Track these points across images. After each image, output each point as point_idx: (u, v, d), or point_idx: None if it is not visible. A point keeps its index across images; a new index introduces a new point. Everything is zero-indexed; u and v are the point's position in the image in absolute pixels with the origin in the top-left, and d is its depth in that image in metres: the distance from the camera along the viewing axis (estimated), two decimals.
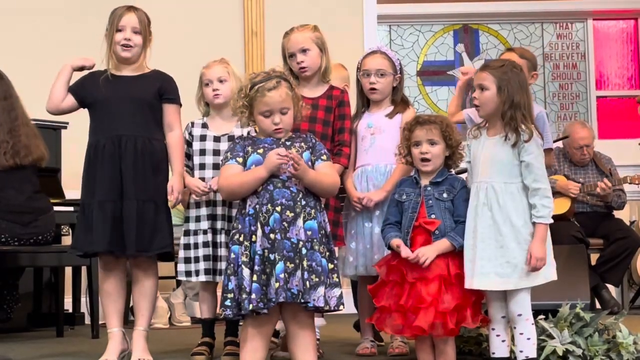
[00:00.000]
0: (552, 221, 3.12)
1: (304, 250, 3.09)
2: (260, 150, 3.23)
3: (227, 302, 3.13)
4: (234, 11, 6.30)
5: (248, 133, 3.68)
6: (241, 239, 3.15)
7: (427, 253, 3.13)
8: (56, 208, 4.73)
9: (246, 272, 3.09)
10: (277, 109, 3.24)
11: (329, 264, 3.17)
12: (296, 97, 3.32)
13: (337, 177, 3.41)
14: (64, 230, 5.40)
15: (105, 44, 3.63)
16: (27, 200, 4.51)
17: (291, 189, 3.16)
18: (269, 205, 3.12)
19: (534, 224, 3.09)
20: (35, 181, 4.59)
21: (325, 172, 3.28)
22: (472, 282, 3.10)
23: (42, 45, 6.00)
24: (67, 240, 5.39)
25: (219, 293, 3.85)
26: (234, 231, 3.22)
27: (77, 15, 5.97)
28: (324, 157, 3.32)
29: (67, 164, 5.27)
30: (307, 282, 3.07)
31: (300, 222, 3.13)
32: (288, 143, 3.27)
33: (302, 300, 3.06)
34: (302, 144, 3.29)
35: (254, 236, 3.12)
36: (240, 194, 3.23)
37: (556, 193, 5.65)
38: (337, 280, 3.19)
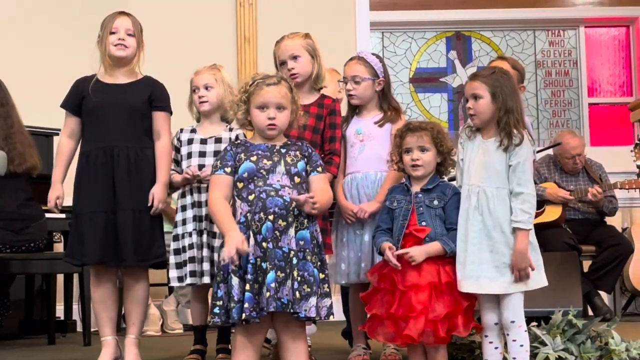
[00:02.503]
0: (531, 227, 3.11)
1: (294, 260, 3.07)
2: (254, 158, 3.19)
3: (216, 310, 3.10)
4: (227, 18, 6.30)
5: (237, 137, 3.69)
6: None
7: (415, 255, 3.13)
8: (48, 215, 4.72)
9: (235, 280, 3.06)
10: (273, 102, 3.22)
11: (320, 274, 3.15)
12: (295, 102, 3.31)
13: (331, 191, 3.39)
14: (56, 237, 5.39)
15: (96, 51, 3.63)
16: (19, 207, 4.51)
17: (284, 197, 3.13)
18: (261, 214, 3.09)
19: (514, 230, 3.09)
20: (28, 189, 4.59)
21: (322, 189, 3.25)
22: (463, 285, 3.11)
23: (36, 52, 5.99)
24: (59, 247, 5.38)
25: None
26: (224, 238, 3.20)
27: (72, 23, 5.95)
28: (320, 168, 3.30)
29: None
30: (298, 292, 3.05)
31: (292, 231, 3.11)
32: (283, 150, 3.24)
33: (292, 310, 3.04)
34: (298, 152, 3.26)
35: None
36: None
37: (546, 201, 5.66)
38: (327, 290, 3.17)
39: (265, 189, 3.13)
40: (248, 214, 3.12)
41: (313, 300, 3.08)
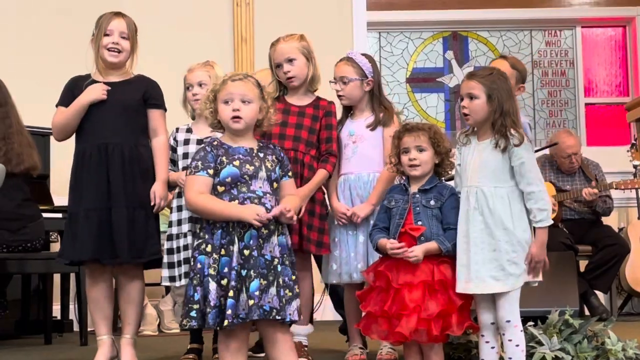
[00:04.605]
0: (551, 222, 3.14)
1: (279, 268, 3.06)
2: (237, 163, 3.13)
3: (193, 313, 3.04)
4: (224, 18, 6.30)
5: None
6: (208, 249, 3.07)
7: (416, 252, 3.15)
8: (45, 215, 4.72)
9: (212, 285, 3.01)
10: (238, 95, 3.17)
11: (293, 276, 3.13)
12: (264, 100, 3.25)
13: (297, 194, 3.38)
14: (53, 237, 5.39)
15: (90, 50, 3.63)
16: (16, 207, 4.50)
17: (266, 205, 3.09)
18: (245, 221, 3.06)
19: (534, 229, 3.12)
20: (26, 189, 4.58)
21: (292, 194, 3.26)
22: (469, 286, 3.11)
23: (34, 51, 5.99)
24: (55, 247, 5.38)
25: None
26: (200, 241, 3.12)
27: (70, 23, 5.94)
28: (290, 173, 3.29)
29: (56, 170, 5.25)
30: (283, 299, 3.04)
31: (274, 238, 3.09)
32: (261, 154, 3.19)
33: (278, 317, 3.03)
34: (273, 157, 3.22)
35: (223, 250, 3.05)
36: (204, 216, 3.14)
37: None
38: (298, 291, 3.15)
39: (249, 195, 3.10)
40: (230, 221, 3.08)
41: (295, 304, 3.08)
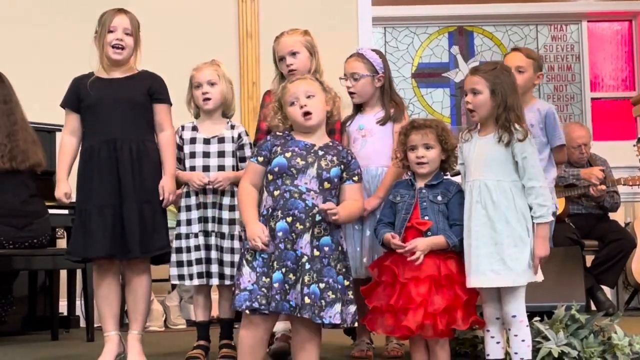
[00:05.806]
0: (552, 219, 3.13)
1: (307, 265, 3.05)
2: (288, 154, 3.16)
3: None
4: (229, 13, 6.29)
5: (239, 135, 3.71)
6: None
7: (419, 245, 3.14)
8: (51, 211, 4.72)
9: (246, 270, 3.06)
10: (301, 92, 3.22)
11: (345, 281, 3.13)
12: (328, 91, 3.30)
13: (362, 200, 3.37)
14: (59, 233, 5.39)
15: (94, 48, 3.63)
16: (22, 204, 4.51)
17: (307, 201, 3.09)
18: (280, 212, 3.09)
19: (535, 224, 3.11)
20: (32, 185, 4.59)
21: (354, 199, 3.23)
22: (470, 280, 3.11)
23: (38, 48, 5.99)
24: (62, 244, 5.39)
25: (214, 296, 3.86)
26: None
27: (74, 20, 5.95)
28: (356, 177, 3.27)
29: None
30: (311, 297, 3.01)
31: (307, 236, 3.08)
32: (321, 152, 3.20)
33: (298, 315, 3.02)
34: (335, 157, 3.21)
35: None
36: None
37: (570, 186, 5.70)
38: (352, 297, 3.15)
39: (290, 189, 3.11)
40: (270, 209, 3.12)
41: (338, 307, 3.05)
